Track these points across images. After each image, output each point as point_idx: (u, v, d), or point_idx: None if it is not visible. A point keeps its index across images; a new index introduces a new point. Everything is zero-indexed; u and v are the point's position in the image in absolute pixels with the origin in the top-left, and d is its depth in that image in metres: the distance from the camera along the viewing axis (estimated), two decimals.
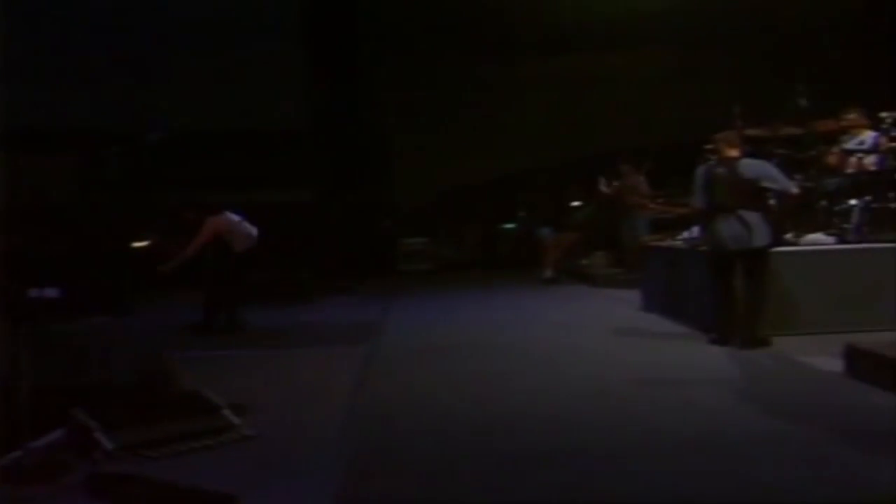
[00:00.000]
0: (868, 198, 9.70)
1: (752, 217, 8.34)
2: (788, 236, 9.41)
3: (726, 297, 8.58)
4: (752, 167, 8.53)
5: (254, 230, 11.46)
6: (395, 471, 5.09)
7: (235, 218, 11.43)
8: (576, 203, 20.60)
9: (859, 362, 6.79)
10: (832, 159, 10.28)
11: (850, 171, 10.00)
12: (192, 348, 9.36)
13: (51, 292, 11.26)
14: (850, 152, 10.11)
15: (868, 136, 10.26)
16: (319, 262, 17.05)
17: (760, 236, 8.36)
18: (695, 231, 10.36)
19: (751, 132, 10.24)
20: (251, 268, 11.63)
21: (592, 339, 9.61)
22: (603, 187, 15.80)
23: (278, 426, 6.00)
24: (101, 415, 5.46)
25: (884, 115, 10.06)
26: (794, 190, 8.83)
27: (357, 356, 8.87)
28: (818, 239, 9.66)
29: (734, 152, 8.61)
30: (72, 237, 15.05)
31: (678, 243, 11.31)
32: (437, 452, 5.37)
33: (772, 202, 8.88)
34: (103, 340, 7.32)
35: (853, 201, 9.77)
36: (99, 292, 13.13)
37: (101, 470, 5.08)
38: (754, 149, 9.39)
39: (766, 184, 8.45)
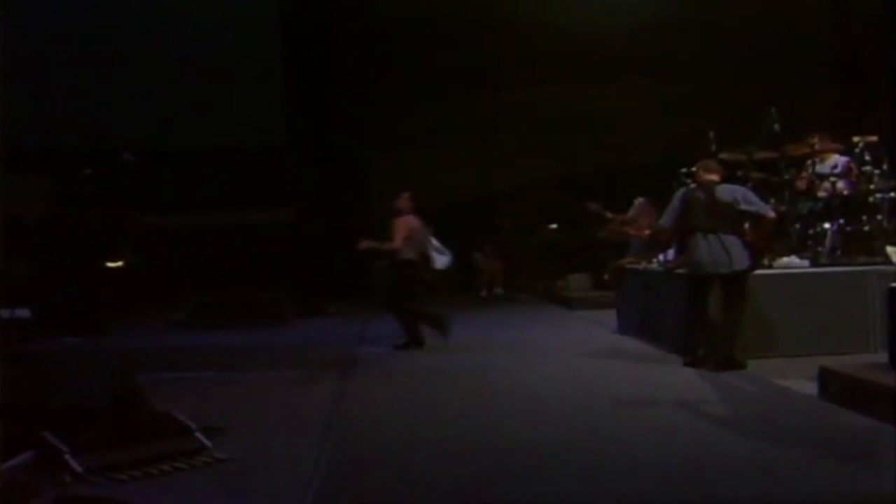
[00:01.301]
0: (841, 221, 9.78)
1: (731, 240, 8.39)
2: (765, 261, 9.46)
3: (703, 319, 8.61)
4: (729, 191, 8.60)
5: (432, 248, 10.92)
6: (368, 496, 5.05)
7: (420, 226, 10.86)
8: (553, 225, 20.73)
9: (833, 385, 6.81)
10: (802, 183, 10.38)
11: (823, 194, 10.08)
12: (165, 370, 9.28)
13: (23, 313, 11.16)
14: (824, 176, 10.20)
15: (839, 160, 10.35)
16: (295, 283, 16.99)
17: (740, 259, 8.41)
18: (670, 254, 10.40)
19: (725, 156, 10.34)
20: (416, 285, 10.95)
21: (566, 362, 9.61)
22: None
23: (251, 449, 5.93)
24: (72, 437, 5.38)
25: (856, 139, 10.17)
26: (771, 213, 8.91)
27: (332, 378, 8.82)
28: (792, 262, 9.72)
29: (713, 177, 8.68)
30: (45, 257, 14.92)
31: (653, 266, 11.36)
32: (410, 476, 5.34)
33: (746, 226, 8.94)
34: (75, 361, 7.25)
35: (826, 224, 9.85)
36: (71, 313, 13.03)
37: (71, 492, 5.01)
38: (730, 173, 9.47)
39: (743, 207, 8.51)
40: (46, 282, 13.45)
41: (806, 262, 9.71)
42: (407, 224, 10.75)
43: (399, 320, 10.93)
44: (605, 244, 15.69)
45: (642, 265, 11.94)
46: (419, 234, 10.81)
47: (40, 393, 6.11)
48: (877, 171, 9.94)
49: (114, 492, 5.01)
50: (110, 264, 17.58)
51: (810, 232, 9.99)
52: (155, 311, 15.61)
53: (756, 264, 8.84)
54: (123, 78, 19.14)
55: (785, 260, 9.74)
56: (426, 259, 10.85)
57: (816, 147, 10.37)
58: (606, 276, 15.00)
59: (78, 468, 5.20)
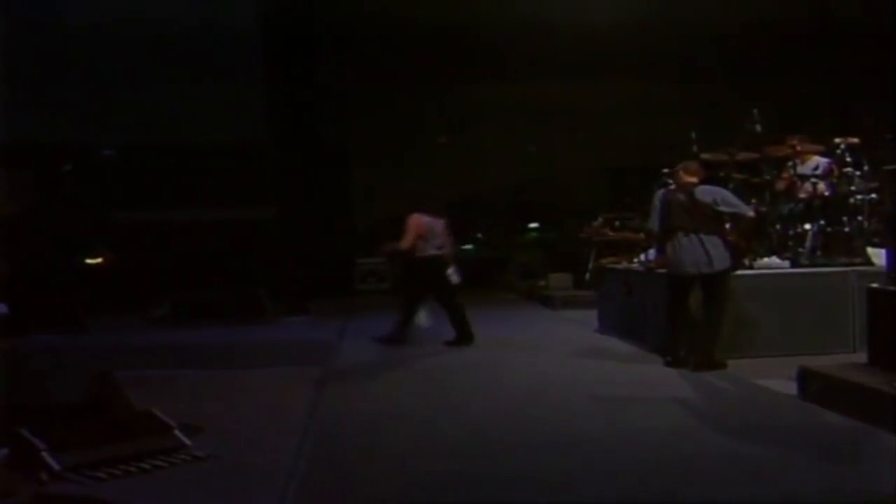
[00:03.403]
0: (822, 222, 9.82)
1: (713, 240, 8.42)
2: (745, 261, 9.48)
3: (683, 319, 8.63)
4: (708, 192, 8.62)
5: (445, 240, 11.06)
6: (347, 493, 5.02)
7: (435, 223, 11.01)
8: (532, 224, 20.76)
9: (813, 385, 6.83)
10: (783, 184, 10.42)
11: (803, 195, 10.12)
12: (144, 367, 9.21)
13: (0, 309, 11.03)
14: (805, 177, 10.23)
15: (820, 161, 10.39)
16: (276, 281, 16.92)
17: (720, 260, 8.43)
18: (651, 254, 10.42)
19: (707, 156, 10.36)
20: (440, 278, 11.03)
21: (547, 361, 9.60)
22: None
23: (230, 447, 5.89)
24: (49, 434, 5.33)
25: (837, 140, 10.21)
26: (751, 213, 8.93)
27: (311, 376, 8.78)
28: (772, 262, 9.76)
29: (692, 178, 8.69)
30: (23, 253, 14.81)
31: (634, 265, 11.38)
32: (390, 476, 5.32)
33: (727, 226, 8.96)
34: (52, 358, 7.18)
35: (807, 225, 9.89)
36: (49, 310, 12.93)
37: (47, 491, 4.96)
38: (711, 174, 9.49)
39: (722, 208, 8.53)
40: (24, 278, 13.33)
41: (786, 263, 9.75)
42: (416, 223, 10.92)
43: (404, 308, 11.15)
44: (586, 244, 15.74)
45: (622, 265, 11.96)
46: (431, 231, 10.95)
47: (17, 390, 6.05)
48: (857, 173, 9.99)
49: (92, 490, 4.96)
50: (89, 261, 17.48)
51: (791, 233, 10.03)
52: (134, 309, 15.49)
53: (737, 264, 8.88)
54: (104, 74, 19.01)
55: (765, 260, 9.78)
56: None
57: (797, 148, 10.41)
58: (588, 276, 15.04)
59: (56, 466, 5.16)
